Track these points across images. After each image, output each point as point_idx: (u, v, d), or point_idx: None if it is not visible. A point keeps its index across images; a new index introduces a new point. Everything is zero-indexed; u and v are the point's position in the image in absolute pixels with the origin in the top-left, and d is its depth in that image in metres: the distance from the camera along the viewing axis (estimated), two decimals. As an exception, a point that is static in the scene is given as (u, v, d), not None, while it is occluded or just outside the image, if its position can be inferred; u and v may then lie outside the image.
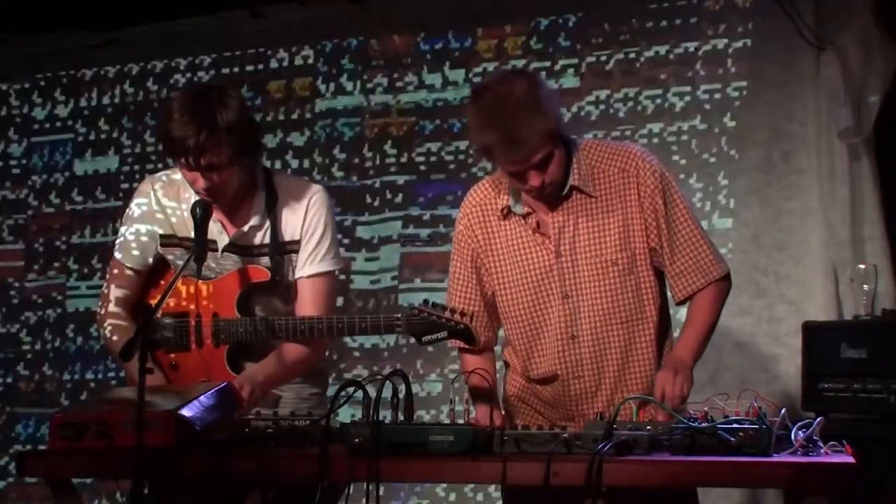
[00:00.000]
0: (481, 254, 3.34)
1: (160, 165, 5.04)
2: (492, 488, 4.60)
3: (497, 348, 3.52)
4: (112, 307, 3.47)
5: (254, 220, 3.40)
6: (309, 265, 3.42)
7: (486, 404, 3.15)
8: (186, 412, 2.93)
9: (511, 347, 3.41)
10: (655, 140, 4.81)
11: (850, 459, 2.59)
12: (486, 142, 3.10)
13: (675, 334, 3.37)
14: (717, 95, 4.78)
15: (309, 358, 3.42)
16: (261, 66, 5.54)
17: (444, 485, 4.69)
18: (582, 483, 2.53)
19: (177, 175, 3.45)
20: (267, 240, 3.41)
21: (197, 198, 3.35)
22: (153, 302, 3.34)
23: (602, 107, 4.92)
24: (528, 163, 3.08)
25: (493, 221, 3.32)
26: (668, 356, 3.24)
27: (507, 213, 3.29)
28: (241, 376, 3.29)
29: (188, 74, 5.61)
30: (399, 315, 3.19)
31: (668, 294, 3.35)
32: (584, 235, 3.22)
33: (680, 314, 3.61)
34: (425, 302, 3.19)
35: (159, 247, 3.45)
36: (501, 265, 3.31)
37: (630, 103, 4.91)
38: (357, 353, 5.21)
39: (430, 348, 4.98)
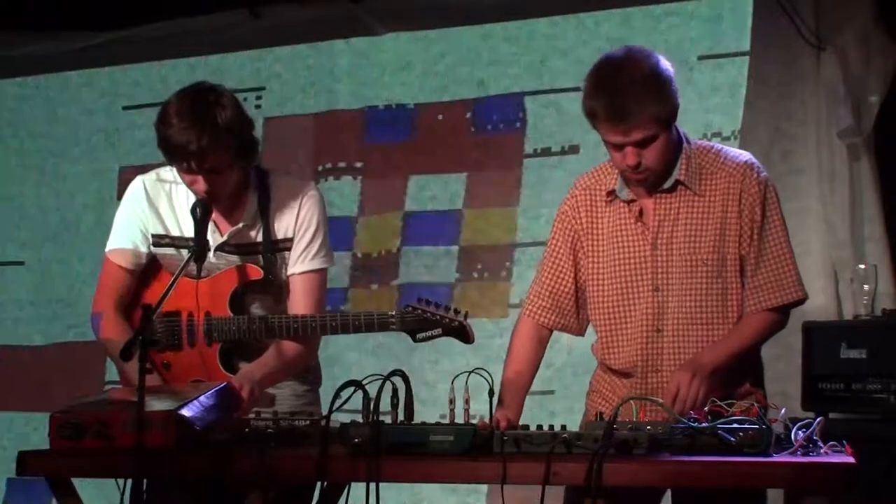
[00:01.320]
0: (583, 237, 3.32)
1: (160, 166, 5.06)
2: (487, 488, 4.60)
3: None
4: (107, 306, 3.47)
5: (247, 219, 3.41)
6: (301, 263, 3.42)
7: (500, 405, 3.13)
8: (186, 412, 2.94)
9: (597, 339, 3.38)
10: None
11: (850, 459, 2.59)
12: (593, 106, 3.10)
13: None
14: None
15: (304, 355, 3.43)
16: (261, 66, 5.54)
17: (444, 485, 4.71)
18: (582, 483, 2.53)
19: (167, 174, 3.46)
20: (260, 238, 3.41)
21: (191, 196, 3.35)
22: (148, 301, 3.34)
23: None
24: (629, 136, 3.07)
25: (599, 205, 3.30)
26: (692, 356, 3.18)
27: (612, 197, 3.28)
28: (238, 375, 3.29)
29: (188, 74, 5.61)
30: (393, 313, 3.20)
31: None
32: (682, 231, 3.20)
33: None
34: (419, 299, 3.19)
35: (151, 246, 3.46)
36: (599, 250, 3.29)
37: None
38: (357, 353, 5.21)
39: (429, 347, 4.98)
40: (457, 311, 3.19)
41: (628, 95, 3.04)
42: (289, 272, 3.43)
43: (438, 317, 3.17)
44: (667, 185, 3.20)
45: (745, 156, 3.29)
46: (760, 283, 3.19)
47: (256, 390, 3.26)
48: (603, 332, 3.30)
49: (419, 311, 3.18)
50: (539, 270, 3.41)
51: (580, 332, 3.41)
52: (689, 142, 3.26)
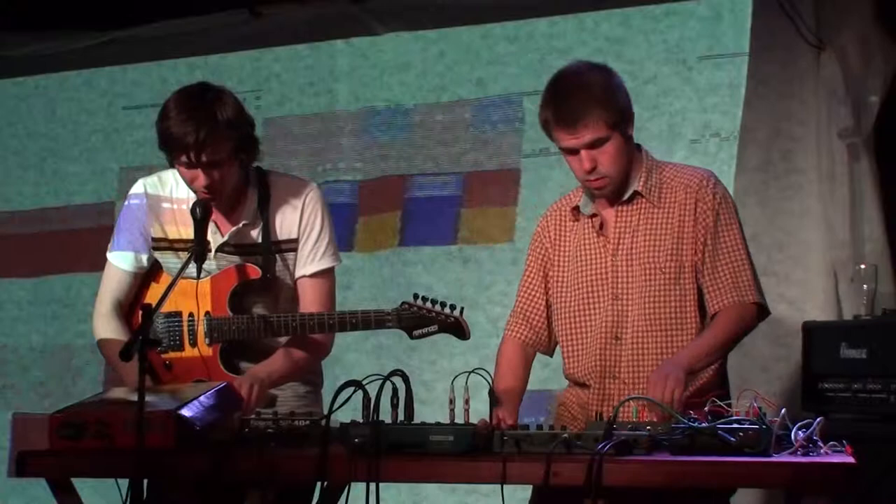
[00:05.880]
0: (552, 254, 3.40)
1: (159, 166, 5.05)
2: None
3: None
4: (105, 308, 3.47)
5: (246, 219, 3.41)
6: (310, 263, 3.43)
7: (497, 405, 3.14)
8: (186, 412, 2.94)
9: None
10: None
11: (850, 459, 2.59)
12: (545, 115, 3.22)
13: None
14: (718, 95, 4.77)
15: (314, 355, 3.45)
16: (260, 66, 5.54)
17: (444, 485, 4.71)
18: (582, 483, 2.53)
19: (168, 177, 3.46)
20: (260, 238, 3.41)
21: (192, 199, 3.36)
22: (148, 303, 3.34)
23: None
24: (580, 138, 3.16)
25: (567, 223, 3.40)
26: (668, 358, 3.20)
27: (577, 214, 3.36)
28: (244, 375, 3.29)
29: (188, 74, 5.60)
30: (390, 310, 3.21)
31: None
32: (642, 240, 3.27)
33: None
34: (415, 296, 3.20)
35: (151, 249, 3.46)
36: (565, 265, 3.37)
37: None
38: (357, 353, 5.20)
39: (429, 347, 4.97)
40: (452, 307, 3.20)
41: (575, 98, 3.16)
42: (297, 274, 3.44)
43: (434, 313, 3.18)
44: (626, 196, 3.27)
45: (706, 171, 3.38)
46: (717, 284, 3.24)
47: (257, 388, 3.25)
48: (565, 342, 3.36)
49: (415, 308, 3.19)
50: (518, 291, 3.48)
51: (549, 351, 3.46)
52: (651, 158, 3.33)
